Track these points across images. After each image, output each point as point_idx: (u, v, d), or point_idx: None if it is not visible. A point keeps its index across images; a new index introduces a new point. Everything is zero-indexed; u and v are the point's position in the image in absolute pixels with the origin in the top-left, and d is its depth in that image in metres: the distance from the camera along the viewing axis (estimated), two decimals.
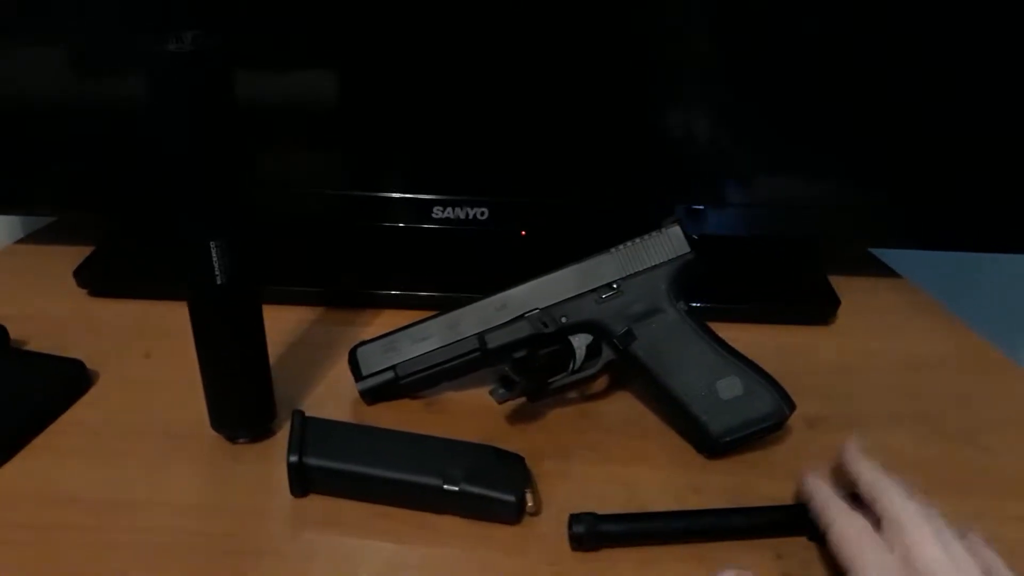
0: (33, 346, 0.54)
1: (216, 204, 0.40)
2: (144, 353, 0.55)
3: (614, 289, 0.49)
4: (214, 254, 0.41)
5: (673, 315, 0.49)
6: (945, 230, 0.64)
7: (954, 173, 0.61)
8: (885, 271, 0.71)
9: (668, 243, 0.50)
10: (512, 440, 0.48)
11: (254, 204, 0.43)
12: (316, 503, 0.43)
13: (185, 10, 0.55)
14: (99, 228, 0.68)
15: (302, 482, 0.43)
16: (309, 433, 0.44)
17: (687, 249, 0.49)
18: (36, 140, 0.61)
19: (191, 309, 0.43)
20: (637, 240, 0.50)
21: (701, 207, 0.62)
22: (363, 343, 0.51)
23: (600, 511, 0.42)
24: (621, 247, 0.50)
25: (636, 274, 0.49)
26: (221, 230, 0.41)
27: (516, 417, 0.50)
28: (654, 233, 0.50)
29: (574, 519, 0.41)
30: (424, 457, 0.43)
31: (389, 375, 0.50)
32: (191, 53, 0.37)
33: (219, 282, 0.41)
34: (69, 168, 0.62)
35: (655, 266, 0.49)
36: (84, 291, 0.62)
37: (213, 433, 0.47)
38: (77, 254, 0.64)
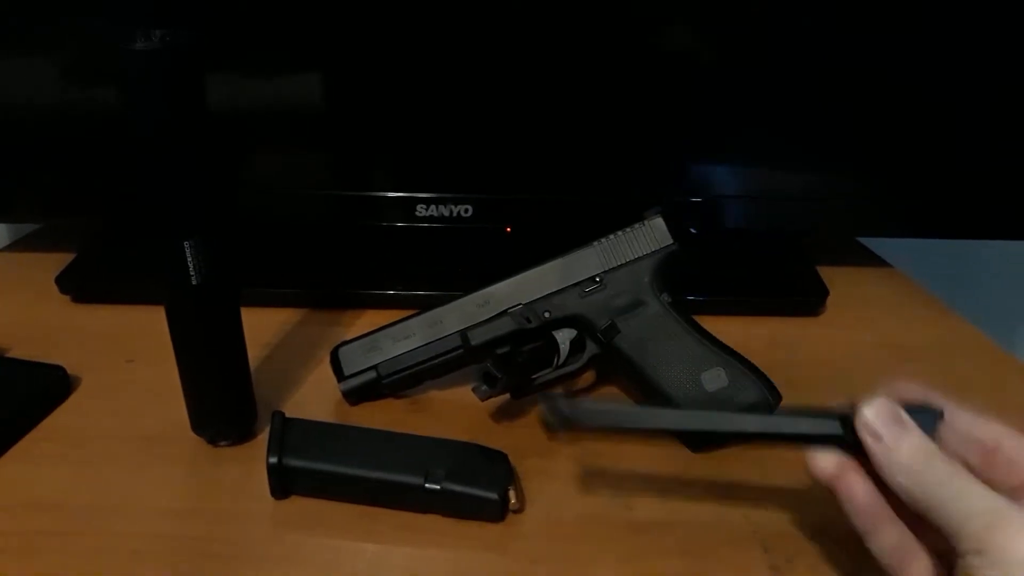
0: (15, 353, 0.54)
1: (189, 202, 0.40)
2: (126, 358, 0.55)
3: (597, 283, 0.49)
4: (188, 254, 0.40)
5: (656, 307, 0.48)
6: (934, 218, 0.63)
7: (943, 161, 0.61)
8: (874, 260, 0.70)
9: (651, 235, 0.49)
10: (496, 437, 0.47)
11: (231, 203, 0.42)
12: (297, 505, 0.43)
13: (171, 11, 0.54)
14: (82, 234, 0.68)
15: (283, 484, 0.43)
16: (289, 434, 0.43)
17: (670, 240, 0.49)
18: (19, 147, 0.61)
19: (167, 310, 0.43)
20: (619, 233, 0.49)
21: (687, 200, 0.62)
22: (345, 343, 0.50)
23: (585, 507, 0.41)
24: (603, 240, 0.49)
25: (619, 267, 0.49)
26: (195, 229, 0.40)
27: (500, 414, 0.50)
28: (636, 225, 0.49)
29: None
30: (406, 456, 0.43)
31: (371, 375, 0.49)
32: (159, 50, 0.36)
33: (194, 282, 0.41)
34: (54, 174, 0.62)
35: (638, 258, 0.49)
36: (67, 297, 0.61)
37: (194, 436, 0.46)
38: (59, 261, 0.64)
